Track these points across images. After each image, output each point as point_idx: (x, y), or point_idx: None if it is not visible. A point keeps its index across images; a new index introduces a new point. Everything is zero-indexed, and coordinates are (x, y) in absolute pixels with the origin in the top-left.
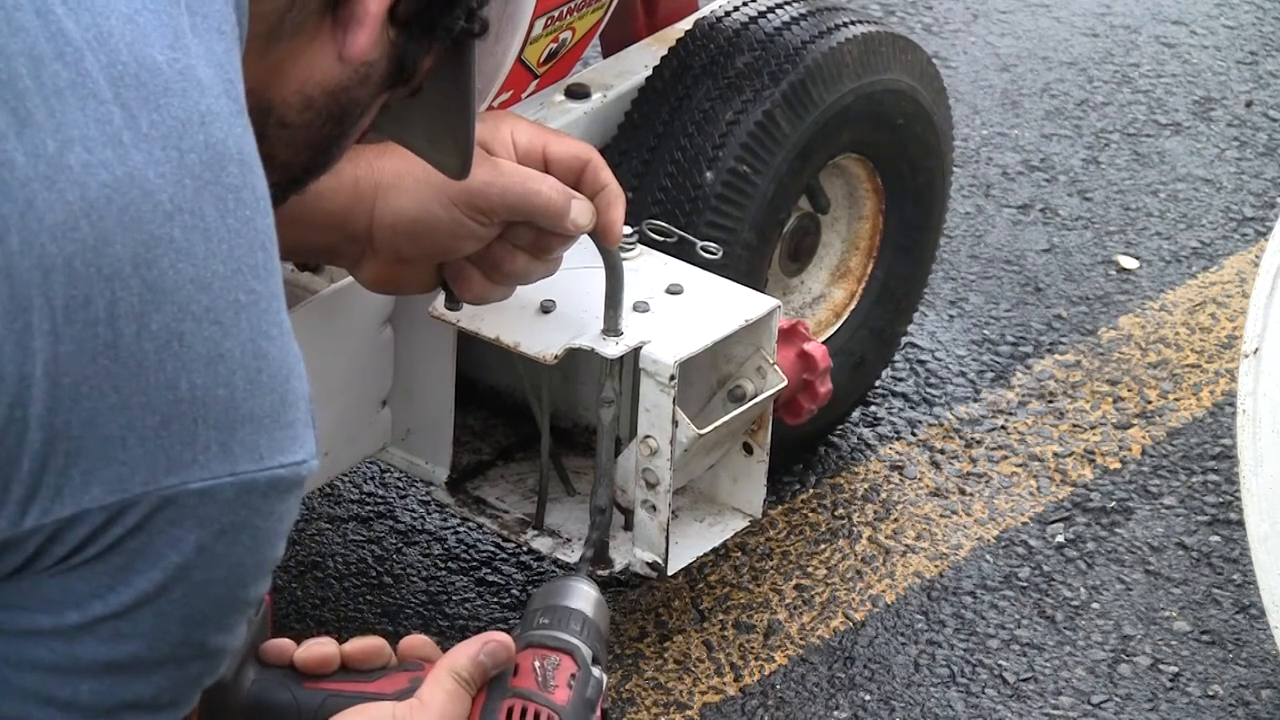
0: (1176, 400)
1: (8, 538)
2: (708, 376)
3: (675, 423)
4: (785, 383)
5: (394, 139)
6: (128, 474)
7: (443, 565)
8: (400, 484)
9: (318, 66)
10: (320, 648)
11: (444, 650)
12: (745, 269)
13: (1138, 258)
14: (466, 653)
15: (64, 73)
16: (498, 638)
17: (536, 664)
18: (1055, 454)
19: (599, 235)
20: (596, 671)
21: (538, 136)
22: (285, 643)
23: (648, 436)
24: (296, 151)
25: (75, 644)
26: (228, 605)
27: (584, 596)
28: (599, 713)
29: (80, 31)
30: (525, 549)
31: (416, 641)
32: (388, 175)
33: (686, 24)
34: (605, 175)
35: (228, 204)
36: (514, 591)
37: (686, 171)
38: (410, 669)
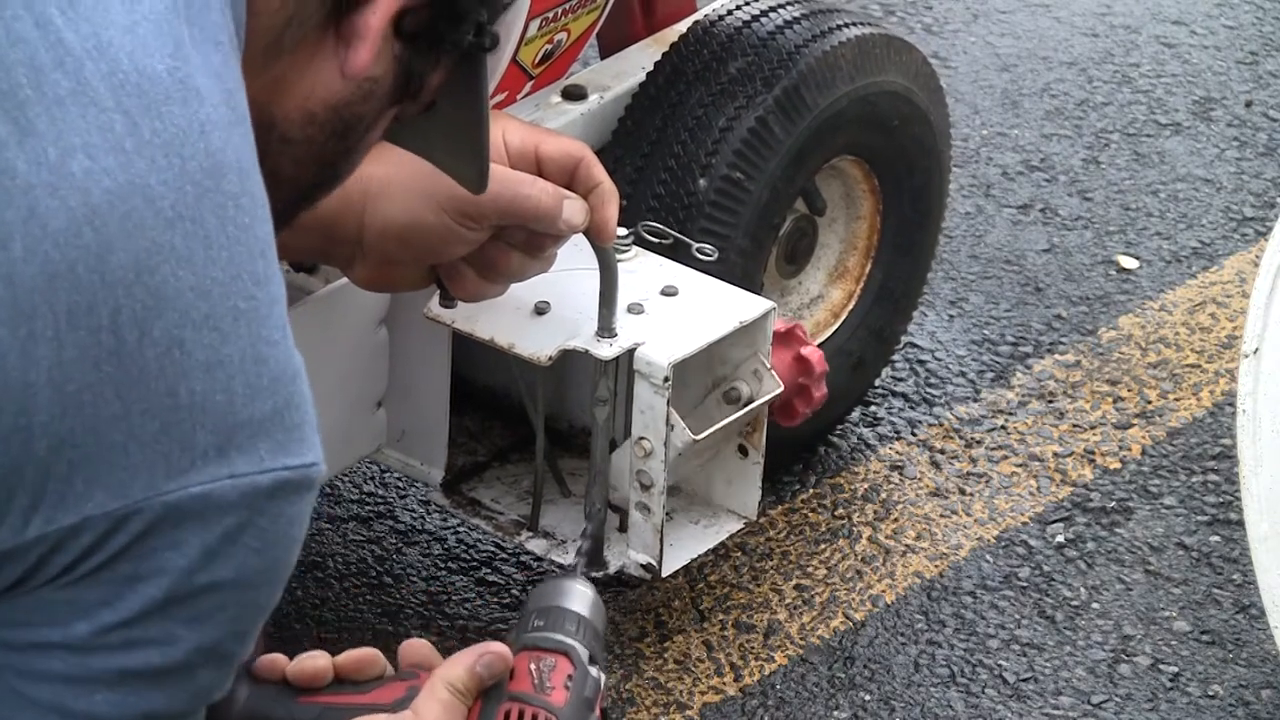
0: (1176, 400)
1: (10, 548)
2: (702, 378)
3: (670, 425)
4: (781, 388)
5: (416, 152)
6: (129, 480)
7: (443, 565)
8: (400, 484)
9: (320, 81)
10: (312, 661)
11: (445, 654)
12: (740, 274)
13: (1138, 258)
14: (463, 663)
15: (64, 82)
16: (494, 648)
17: (532, 666)
18: (1055, 454)
19: (593, 233)
20: (594, 671)
21: (530, 136)
22: (277, 658)
23: (642, 438)
24: (302, 167)
25: (87, 654)
26: (238, 611)
27: (579, 596)
28: (598, 712)
29: (80, 41)
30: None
31: (416, 645)
32: (375, 182)
33: (685, 25)
34: (598, 173)
35: (227, 211)
36: (514, 591)
37: (680, 179)
38: (406, 678)
